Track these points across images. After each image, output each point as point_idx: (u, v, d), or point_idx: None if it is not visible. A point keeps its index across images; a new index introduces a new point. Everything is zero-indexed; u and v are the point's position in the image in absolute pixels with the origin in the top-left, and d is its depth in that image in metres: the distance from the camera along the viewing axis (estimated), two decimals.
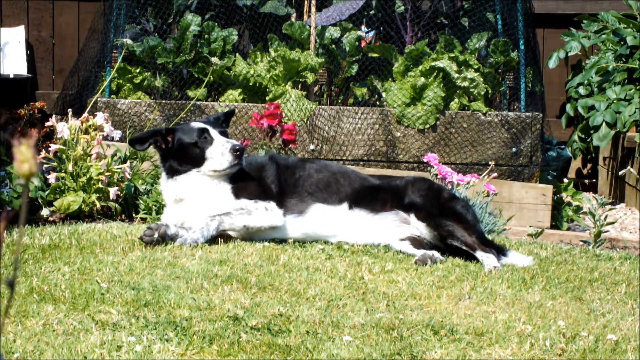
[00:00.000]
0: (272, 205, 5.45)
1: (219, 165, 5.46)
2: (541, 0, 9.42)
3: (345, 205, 5.59)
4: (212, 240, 5.31)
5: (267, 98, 7.88)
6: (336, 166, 5.84)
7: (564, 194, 7.91)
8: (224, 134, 5.58)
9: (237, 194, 5.48)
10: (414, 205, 5.53)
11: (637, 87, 8.68)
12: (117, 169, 6.37)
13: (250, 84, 7.96)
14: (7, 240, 5.22)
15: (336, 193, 5.61)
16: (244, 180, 5.52)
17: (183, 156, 5.49)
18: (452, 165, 7.59)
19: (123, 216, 6.41)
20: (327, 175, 5.65)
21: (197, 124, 5.59)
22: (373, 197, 5.62)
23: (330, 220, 5.56)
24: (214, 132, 5.51)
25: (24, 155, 1.99)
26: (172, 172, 5.52)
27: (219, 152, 5.45)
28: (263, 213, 5.42)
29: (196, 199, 5.47)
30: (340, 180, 5.65)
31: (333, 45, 8.20)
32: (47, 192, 6.24)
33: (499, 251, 5.43)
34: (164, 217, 5.62)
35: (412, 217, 5.53)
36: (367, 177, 5.78)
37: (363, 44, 8.54)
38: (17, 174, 1.99)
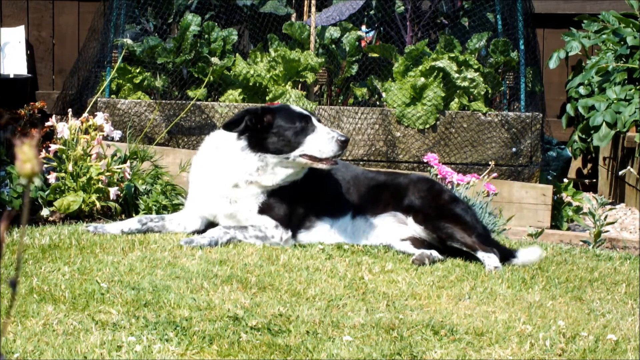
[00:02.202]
0: (288, 235, 5.39)
1: (322, 154, 5.27)
2: (541, 0, 9.42)
3: (349, 215, 5.58)
4: None
5: (267, 98, 7.88)
6: (351, 172, 5.71)
7: (564, 194, 7.90)
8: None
9: (272, 208, 5.40)
10: (413, 208, 5.51)
11: (637, 87, 8.68)
12: (117, 169, 6.37)
13: (250, 84, 7.96)
14: (7, 240, 5.21)
15: (344, 204, 5.59)
16: (291, 195, 5.41)
17: (279, 139, 5.30)
18: (452, 165, 7.59)
19: (123, 216, 6.40)
20: (342, 188, 5.61)
21: (297, 109, 5.39)
22: (375, 199, 5.60)
23: (333, 231, 5.55)
24: (315, 120, 5.35)
25: (26, 155, 1.98)
26: (257, 148, 5.33)
27: (325, 140, 5.26)
28: (276, 241, 5.37)
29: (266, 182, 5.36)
30: (350, 189, 5.61)
31: (333, 45, 8.19)
32: (47, 192, 6.24)
33: (509, 254, 5.39)
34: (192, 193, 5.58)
35: (410, 220, 5.51)
36: (374, 176, 5.73)
37: (363, 44, 8.53)
38: (19, 173, 1.98)
